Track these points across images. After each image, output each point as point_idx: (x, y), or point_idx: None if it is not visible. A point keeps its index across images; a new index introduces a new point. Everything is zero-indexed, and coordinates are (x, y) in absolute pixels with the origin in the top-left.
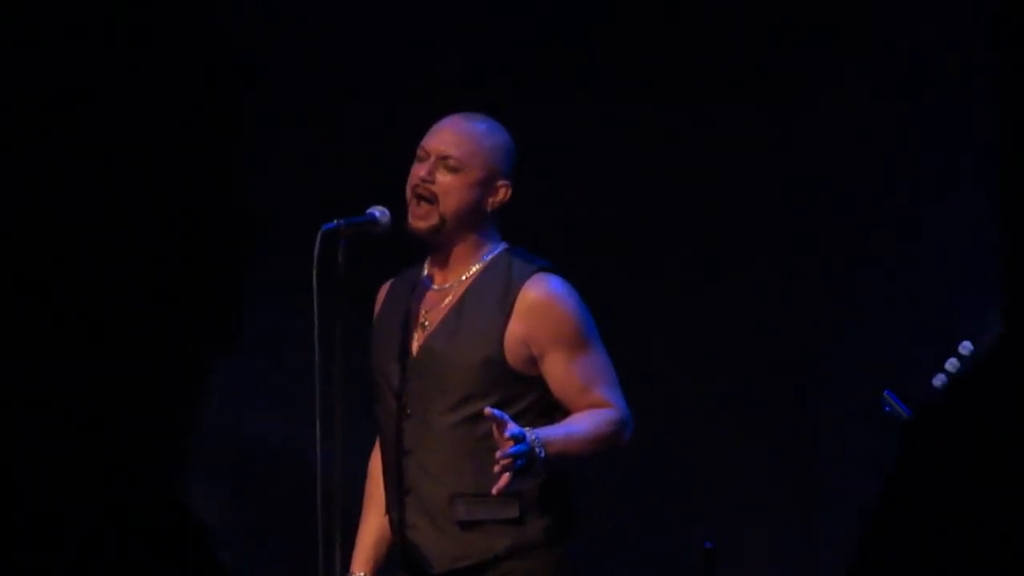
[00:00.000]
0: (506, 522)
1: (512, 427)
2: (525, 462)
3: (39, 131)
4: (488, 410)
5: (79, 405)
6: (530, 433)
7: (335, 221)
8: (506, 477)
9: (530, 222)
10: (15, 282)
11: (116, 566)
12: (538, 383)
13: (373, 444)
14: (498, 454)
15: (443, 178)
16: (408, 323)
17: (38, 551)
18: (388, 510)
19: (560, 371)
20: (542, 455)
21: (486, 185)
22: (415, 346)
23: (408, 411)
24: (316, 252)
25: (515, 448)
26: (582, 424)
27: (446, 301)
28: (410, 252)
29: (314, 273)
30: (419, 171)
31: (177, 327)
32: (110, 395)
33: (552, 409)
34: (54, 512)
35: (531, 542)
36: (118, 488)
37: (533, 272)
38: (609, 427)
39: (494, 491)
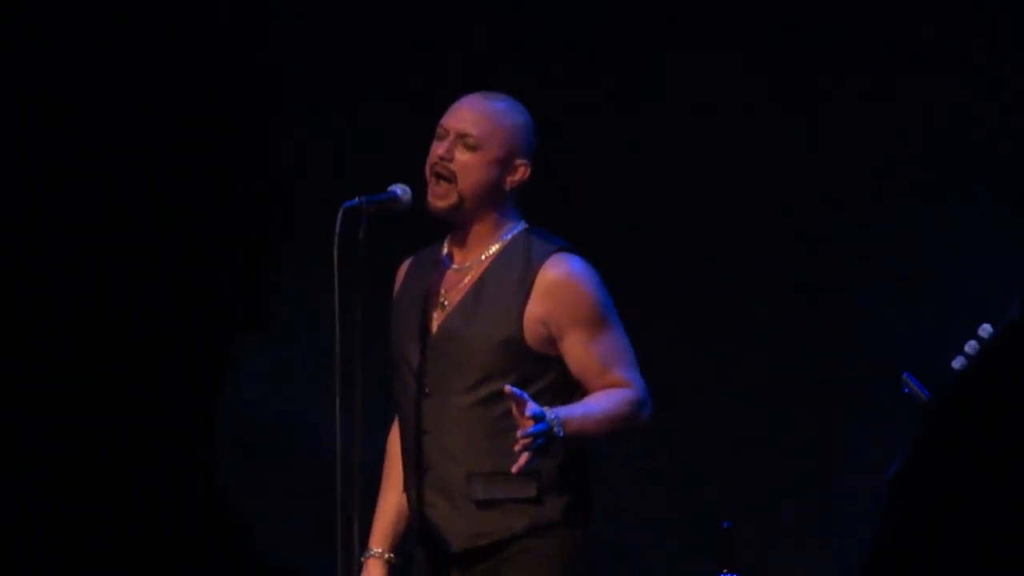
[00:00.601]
0: (523, 501)
1: (532, 406)
2: (544, 441)
3: (68, 123)
4: (508, 388)
5: (118, 389)
6: (549, 412)
7: (356, 198)
8: (525, 455)
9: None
10: (55, 266)
11: (153, 551)
12: (557, 363)
13: (391, 422)
14: (518, 433)
15: (462, 156)
16: (427, 303)
17: (78, 539)
18: (406, 489)
19: (579, 351)
20: (560, 434)
21: (505, 164)
22: (434, 326)
23: (427, 390)
24: (337, 229)
25: (535, 427)
26: (600, 403)
27: (465, 280)
28: (431, 230)
29: (335, 250)
30: (438, 149)
31: (212, 309)
32: (148, 379)
33: (571, 388)
34: (90, 498)
35: (548, 522)
36: (155, 470)
37: (553, 252)
38: (627, 407)
39: (514, 469)
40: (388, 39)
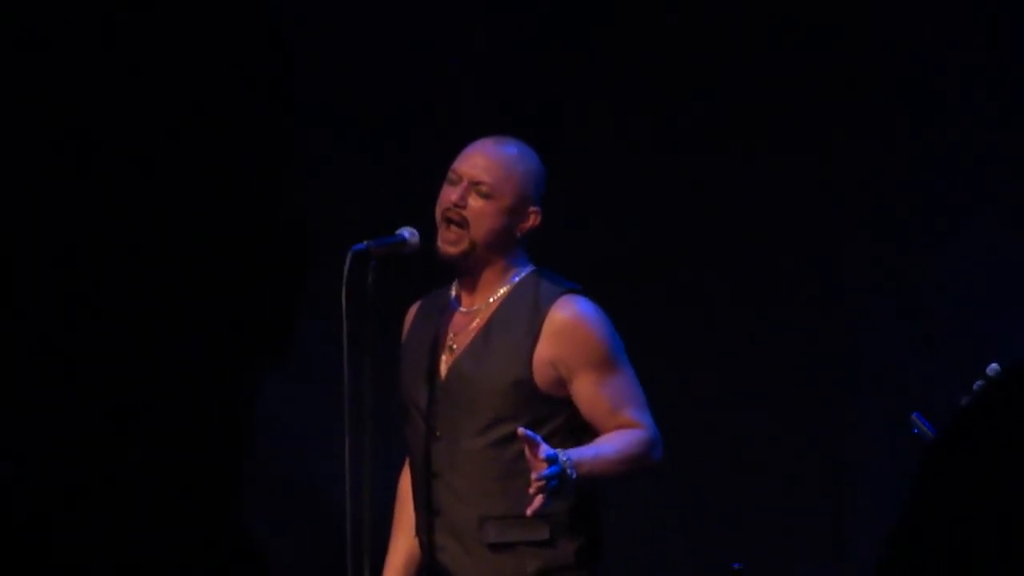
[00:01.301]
0: (536, 544)
1: (545, 448)
2: (557, 483)
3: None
4: (521, 431)
5: (136, 424)
6: (561, 454)
7: (364, 242)
8: (540, 498)
9: (555, 244)
10: (71, 294)
11: None
12: (567, 404)
13: (402, 466)
14: (532, 475)
15: (475, 203)
16: (436, 346)
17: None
18: (417, 532)
19: (589, 393)
20: (573, 476)
21: (517, 211)
22: (443, 369)
23: (437, 434)
24: (345, 273)
25: (548, 470)
26: (612, 445)
27: (474, 323)
28: (440, 272)
29: (343, 294)
30: (450, 195)
31: (233, 344)
32: (166, 414)
33: (580, 430)
34: (111, 530)
35: (561, 564)
36: (177, 509)
37: (561, 294)
38: (639, 447)
39: (528, 512)
40: (412, 65)
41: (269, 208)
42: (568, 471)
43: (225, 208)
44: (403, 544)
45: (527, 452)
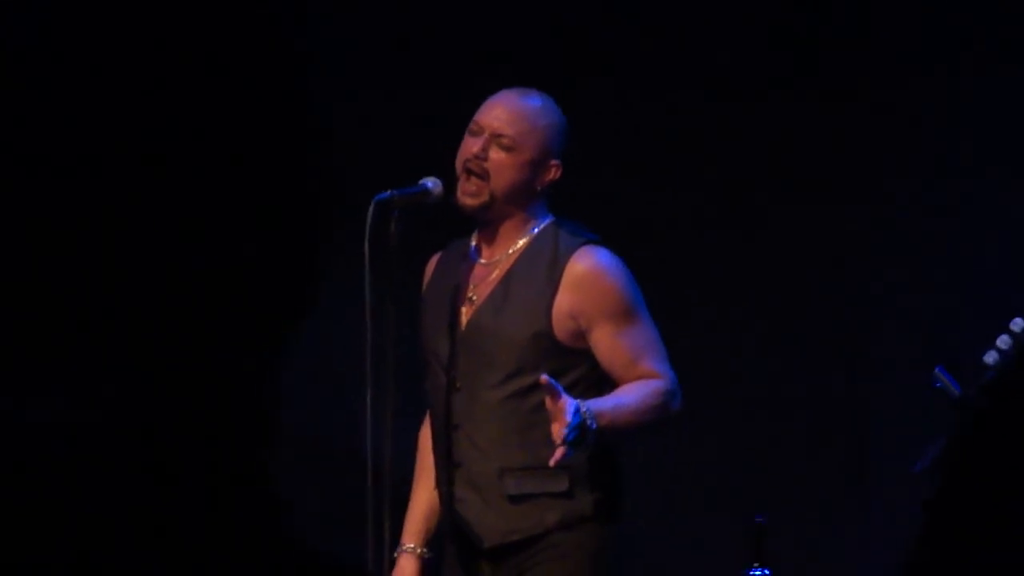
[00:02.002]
0: (555, 496)
1: (565, 398)
2: (578, 433)
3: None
4: (544, 378)
5: (170, 379)
6: (582, 405)
7: (387, 191)
8: (561, 449)
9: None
10: (111, 262)
11: (203, 536)
12: (586, 356)
13: (424, 417)
14: (553, 425)
15: (496, 156)
16: (456, 298)
17: (129, 522)
18: (437, 484)
19: (607, 343)
20: (594, 427)
21: (538, 164)
22: (463, 321)
23: (457, 385)
24: (368, 223)
25: (570, 419)
26: (631, 395)
27: (493, 275)
28: (463, 222)
29: (366, 244)
30: (471, 146)
31: (260, 299)
32: (196, 366)
33: (600, 381)
34: (141, 483)
35: (580, 516)
36: (206, 460)
37: (580, 245)
38: (658, 397)
39: (551, 463)
40: (439, 17)
41: (294, 160)
42: (588, 422)
43: (251, 163)
44: (424, 496)
45: (548, 402)
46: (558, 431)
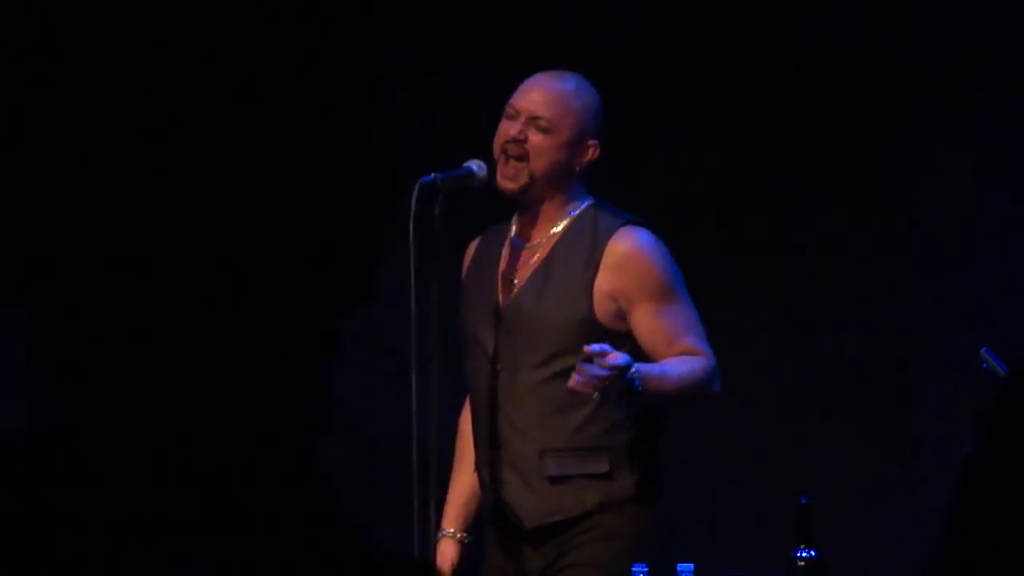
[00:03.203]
0: (595, 477)
1: (618, 355)
2: (622, 386)
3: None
4: (587, 348)
5: (221, 371)
6: (633, 364)
7: (432, 174)
8: (583, 380)
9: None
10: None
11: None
12: (627, 338)
13: (464, 402)
14: (607, 360)
15: (534, 138)
16: (497, 281)
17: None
18: (478, 467)
19: (648, 324)
20: (639, 388)
21: (576, 145)
22: (504, 303)
23: (498, 368)
24: (413, 205)
25: (619, 360)
26: (677, 367)
27: (534, 258)
28: (507, 205)
29: (411, 226)
30: (509, 129)
31: (315, 288)
32: (248, 360)
33: (644, 362)
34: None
35: (621, 498)
36: (256, 452)
37: (620, 226)
38: (701, 373)
39: (569, 383)
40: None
41: (343, 145)
42: (636, 382)
43: (300, 149)
44: (464, 481)
45: (595, 359)
46: (593, 369)
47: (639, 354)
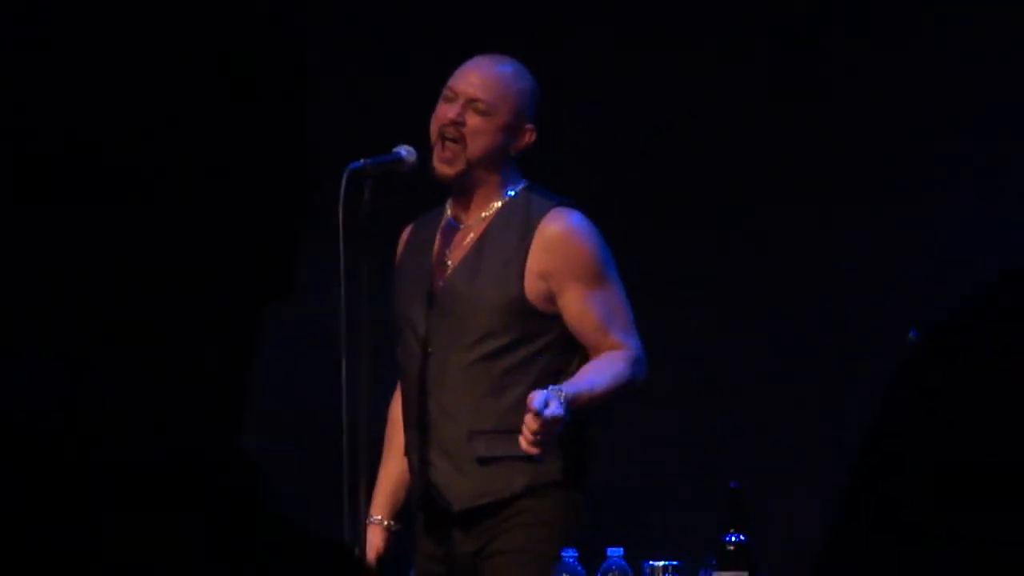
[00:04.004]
0: (524, 459)
1: (539, 398)
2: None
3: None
4: (531, 404)
5: (147, 358)
6: (559, 396)
7: (361, 160)
8: (529, 440)
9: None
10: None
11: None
12: (558, 320)
13: (394, 388)
14: (547, 413)
15: (472, 120)
16: (430, 262)
17: (104, 507)
18: (407, 451)
19: (576, 307)
20: (567, 417)
21: (513, 129)
22: (437, 285)
23: (429, 350)
24: (342, 192)
25: (555, 411)
26: (603, 374)
27: (467, 239)
28: (437, 190)
29: (340, 212)
30: (447, 112)
31: (239, 277)
32: (173, 346)
33: (573, 345)
34: (119, 463)
35: (548, 482)
36: (183, 440)
37: (552, 207)
38: (627, 372)
39: (524, 449)
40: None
41: (270, 132)
42: (565, 403)
43: (227, 136)
44: (393, 468)
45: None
46: (530, 421)
47: (568, 336)
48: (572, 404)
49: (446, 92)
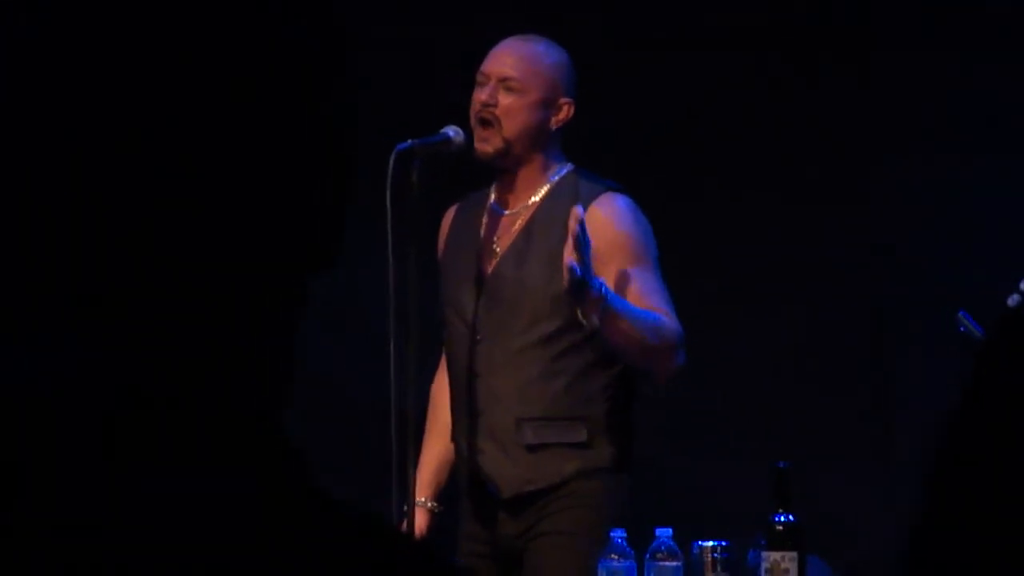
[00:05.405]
0: (573, 446)
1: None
2: (586, 284)
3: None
4: (576, 210)
5: (187, 335)
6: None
7: (409, 141)
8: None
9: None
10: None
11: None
12: None
13: (435, 371)
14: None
15: (505, 100)
16: (478, 249)
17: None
18: (455, 436)
19: (618, 285)
20: (605, 292)
21: (548, 104)
22: (486, 271)
23: (478, 336)
24: (390, 173)
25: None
26: (644, 312)
27: (515, 225)
28: (485, 172)
29: (388, 194)
30: (480, 96)
31: (281, 251)
32: (216, 323)
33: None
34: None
35: (598, 466)
36: (223, 417)
37: (601, 192)
38: (665, 330)
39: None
40: None
41: (317, 111)
42: (604, 290)
43: (273, 114)
44: (436, 450)
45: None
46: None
47: None
48: (608, 301)
49: (478, 77)
